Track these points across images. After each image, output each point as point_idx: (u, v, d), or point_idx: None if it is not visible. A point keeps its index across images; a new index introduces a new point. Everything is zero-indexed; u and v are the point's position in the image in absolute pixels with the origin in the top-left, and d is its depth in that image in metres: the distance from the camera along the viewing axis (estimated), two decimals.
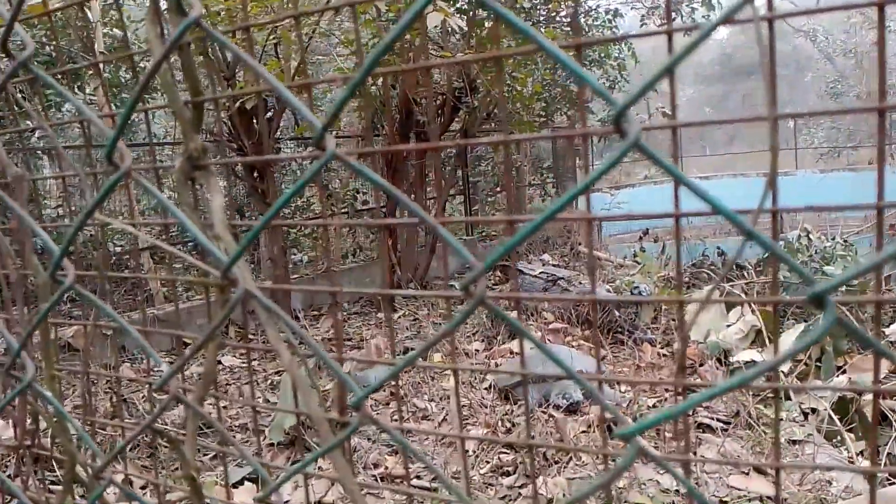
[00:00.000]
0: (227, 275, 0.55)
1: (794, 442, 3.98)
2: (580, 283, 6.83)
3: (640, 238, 10.18)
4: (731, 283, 6.50)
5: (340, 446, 0.66)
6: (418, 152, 7.64)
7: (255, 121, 6.61)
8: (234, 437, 3.46)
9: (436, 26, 5.05)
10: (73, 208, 4.20)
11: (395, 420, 4.15)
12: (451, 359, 0.70)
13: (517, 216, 0.58)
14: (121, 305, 6.40)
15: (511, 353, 5.38)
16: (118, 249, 6.78)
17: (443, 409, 4.48)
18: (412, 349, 5.69)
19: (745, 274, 7.08)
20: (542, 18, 8.87)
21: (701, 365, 5.20)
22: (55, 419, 0.83)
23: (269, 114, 6.84)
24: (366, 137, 7.43)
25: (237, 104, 6.09)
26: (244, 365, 5.27)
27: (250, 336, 5.86)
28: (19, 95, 0.98)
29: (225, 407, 4.36)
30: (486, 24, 6.78)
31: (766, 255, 7.64)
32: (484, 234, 10.00)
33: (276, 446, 3.83)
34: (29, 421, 0.93)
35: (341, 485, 0.57)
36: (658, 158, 0.40)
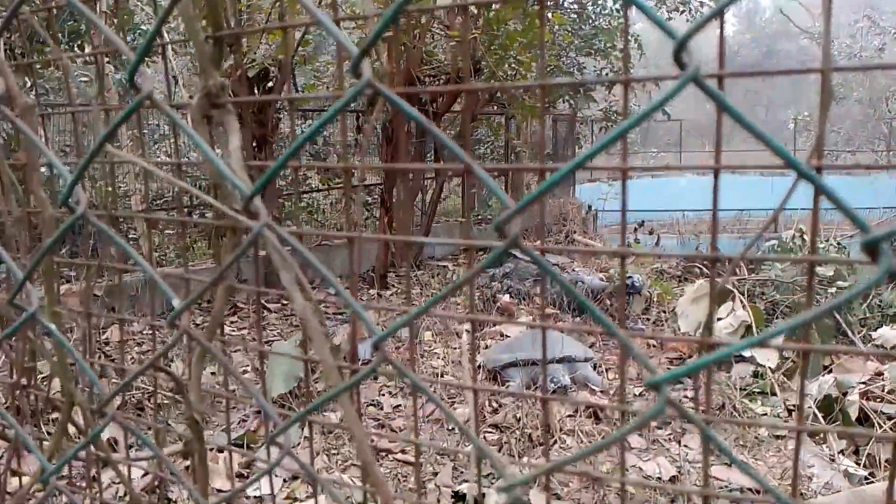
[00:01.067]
0: (248, 207, 0.53)
1: (779, 437, 4.02)
2: (573, 269, 6.85)
3: (636, 229, 10.21)
4: (722, 279, 6.53)
5: (349, 392, 0.65)
6: (418, 131, 7.60)
7: (255, 90, 6.56)
8: (221, 403, 3.46)
9: (442, 9, 5.00)
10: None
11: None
12: (471, 309, 0.69)
13: (545, 165, 0.57)
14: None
15: (501, 335, 5.39)
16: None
17: (430, 385, 4.49)
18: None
19: (737, 271, 7.12)
20: (549, 3, 8.83)
21: (690, 357, 5.24)
22: (54, 356, 0.82)
23: (270, 84, 6.79)
24: (366, 112, 7.40)
25: (238, 73, 6.04)
26: (233, 333, 5.27)
27: (240, 305, 5.86)
28: (38, 28, 0.96)
29: (213, 373, 4.35)
30: (494, 6, 6.72)
31: (758, 252, 7.70)
32: (480, 217, 10.02)
33: (262, 413, 3.83)
34: (26, 359, 0.91)
35: (349, 430, 0.56)
36: (713, 91, 0.39)
